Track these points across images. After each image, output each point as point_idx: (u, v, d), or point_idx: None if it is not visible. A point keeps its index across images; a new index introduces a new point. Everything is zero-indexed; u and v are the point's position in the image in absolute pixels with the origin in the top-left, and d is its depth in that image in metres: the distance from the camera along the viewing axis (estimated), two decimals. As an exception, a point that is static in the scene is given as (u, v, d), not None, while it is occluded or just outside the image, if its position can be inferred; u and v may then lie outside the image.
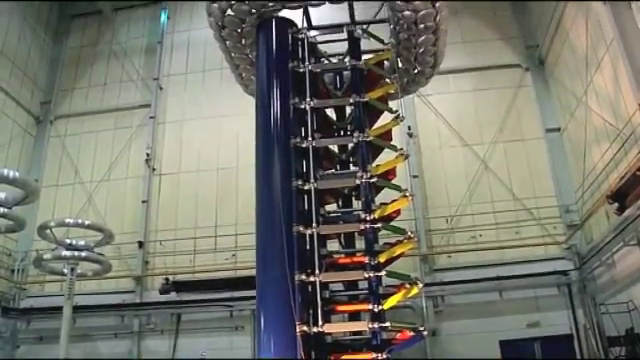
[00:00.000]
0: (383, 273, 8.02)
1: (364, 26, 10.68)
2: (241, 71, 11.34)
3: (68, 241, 14.88)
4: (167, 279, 16.82)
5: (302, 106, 8.95)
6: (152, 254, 17.80)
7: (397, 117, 9.19)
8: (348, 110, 10.13)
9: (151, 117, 19.62)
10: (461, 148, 17.69)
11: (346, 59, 10.11)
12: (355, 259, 8.56)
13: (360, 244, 8.72)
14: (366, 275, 7.97)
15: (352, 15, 10.85)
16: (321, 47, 10.44)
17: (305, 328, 7.52)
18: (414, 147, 17.48)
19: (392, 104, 10.11)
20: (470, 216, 16.71)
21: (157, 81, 20.20)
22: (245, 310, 16.15)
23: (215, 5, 9.84)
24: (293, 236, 8.04)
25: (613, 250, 13.83)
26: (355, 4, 10.59)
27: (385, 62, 10.47)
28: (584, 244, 15.77)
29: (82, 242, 14.91)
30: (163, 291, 16.71)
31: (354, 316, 8.88)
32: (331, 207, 9.67)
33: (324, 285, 8.03)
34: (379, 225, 8.28)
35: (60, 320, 14.37)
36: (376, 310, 7.77)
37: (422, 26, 9.92)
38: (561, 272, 15.72)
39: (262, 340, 7.77)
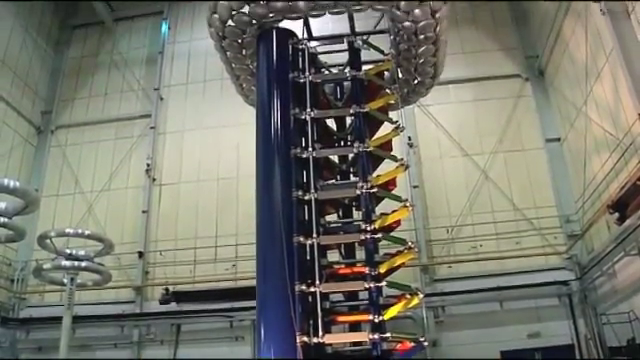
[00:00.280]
0: (383, 284, 8.01)
1: (364, 37, 10.73)
2: (242, 81, 11.37)
3: (68, 251, 14.86)
4: (167, 289, 16.80)
5: (302, 116, 8.97)
6: (152, 264, 17.78)
7: (397, 127, 9.20)
8: (348, 120, 10.15)
9: (152, 127, 19.65)
10: (461, 158, 17.69)
11: (346, 70, 10.15)
12: (355, 269, 8.56)
13: (360, 254, 8.71)
14: (366, 285, 7.95)
15: (352, 26, 10.90)
16: (321, 58, 10.45)
17: (305, 339, 7.49)
18: (414, 157, 17.50)
19: (392, 114, 10.16)
20: (470, 226, 16.70)
21: (158, 91, 20.25)
22: (245, 320, 16.10)
23: (216, 16, 9.87)
24: (293, 246, 8.02)
25: (614, 260, 13.81)
26: (355, 15, 10.62)
27: (385, 73, 10.50)
28: (585, 254, 15.74)
29: (82, 252, 14.88)
30: (163, 301, 16.69)
31: (354, 327, 8.84)
32: (331, 217, 9.68)
33: (324, 296, 8.01)
34: (379, 235, 8.27)
35: (60, 330, 14.31)
36: (376, 321, 7.74)
37: (422, 37, 9.94)
38: (562, 282, 15.68)
39: (262, 351, 7.72)
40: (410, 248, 8.45)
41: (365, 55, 10.31)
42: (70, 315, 14.33)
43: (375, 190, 8.50)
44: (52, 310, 16.50)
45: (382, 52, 10.69)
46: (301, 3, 9.24)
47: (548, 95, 18.04)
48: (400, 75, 11.13)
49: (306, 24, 10.56)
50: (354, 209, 9.65)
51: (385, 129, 9.48)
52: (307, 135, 8.89)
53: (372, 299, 7.94)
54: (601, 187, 14.24)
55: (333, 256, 9.34)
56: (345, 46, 10.15)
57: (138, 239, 18.05)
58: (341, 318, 8.44)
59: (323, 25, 11.48)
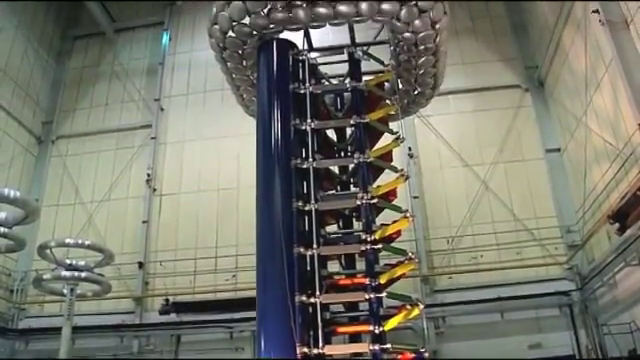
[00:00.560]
0: (384, 294, 7.97)
1: (364, 48, 10.75)
2: (242, 92, 11.39)
3: (68, 261, 14.82)
4: (167, 300, 16.75)
5: (303, 127, 8.97)
6: (152, 275, 17.76)
7: (397, 138, 9.19)
8: (349, 131, 10.16)
9: (152, 137, 19.71)
10: (461, 169, 17.71)
11: (347, 80, 10.15)
12: (356, 280, 8.51)
13: (361, 265, 8.70)
14: (367, 296, 7.91)
15: (352, 37, 10.94)
16: (322, 68, 10.48)
17: (305, 350, 7.44)
18: (415, 168, 17.52)
19: (393, 125, 10.14)
20: (471, 237, 16.69)
21: (158, 102, 20.32)
22: (245, 331, 16.05)
23: (216, 27, 9.91)
24: (294, 257, 7.99)
25: (615, 270, 13.79)
26: (355, 26, 10.66)
27: (385, 83, 10.53)
28: (585, 264, 15.72)
29: (82, 262, 14.85)
30: (163, 312, 16.65)
31: (355, 338, 8.82)
32: (332, 228, 9.67)
33: (325, 306, 7.99)
34: (380, 246, 8.24)
35: (59, 341, 14.22)
36: (377, 331, 7.70)
37: (422, 48, 9.96)
38: (563, 293, 15.65)
39: (262, 362, 7.71)
40: (410, 259, 8.42)
41: (365, 66, 10.33)
42: (70, 326, 14.27)
43: (375, 201, 8.49)
44: (51, 320, 16.45)
45: (382, 63, 10.72)
46: (301, 14, 9.27)
47: (548, 105, 18.08)
48: (400, 86, 11.16)
49: (306, 35, 10.59)
50: (354, 220, 9.63)
51: (385, 140, 9.48)
52: (307, 146, 8.89)
53: (372, 310, 7.91)
54: (601, 197, 14.25)
55: (333, 267, 9.34)
56: (345, 57, 10.17)
57: (138, 249, 18.05)
58: (341, 329, 8.41)
59: (323, 36, 11.50)
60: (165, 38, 21.60)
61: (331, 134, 10.44)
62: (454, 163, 17.82)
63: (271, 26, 9.52)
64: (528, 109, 18.31)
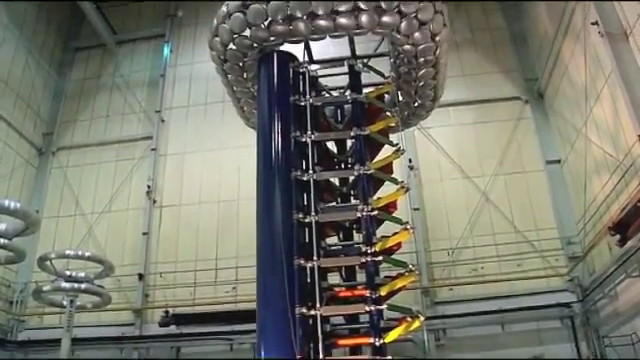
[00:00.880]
0: (384, 306, 7.98)
1: (365, 60, 10.80)
2: (243, 104, 11.44)
3: (68, 273, 14.80)
4: (167, 312, 16.69)
5: (303, 139, 9.01)
6: (152, 286, 17.71)
7: (398, 150, 9.24)
8: (349, 143, 10.19)
9: (153, 149, 19.71)
10: (462, 180, 17.70)
11: (347, 92, 10.21)
12: (356, 292, 8.53)
13: (361, 277, 8.69)
14: (367, 308, 7.93)
15: (353, 49, 11.00)
16: (322, 80, 10.52)
17: (306, 362, 7.45)
18: (415, 180, 17.50)
19: (393, 137, 10.16)
20: (471, 248, 16.64)
21: (159, 113, 20.34)
22: (245, 344, 15.98)
23: (217, 39, 9.96)
24: (294, 269, 8.00)
25: (616, 282, 13.74)
26: (356, 38, 10.71)
27: (386, 95, 10.57)
28: (586, 276, 15.67)
29: (82, 274, 14.82)
30: (163, 324, 16.57)
31: (355, 350, 8.77)
32: (332, 240, 9.67)
33: (325, 319, 7.99)
34: (380, 258, 8.26)
35: (58, 353, 14.19)
36: (377, 344, 7.71)
37: (422, 60, 10.02)
38: (564, 304, 15.59)
39: (262, 374, 7.69)
40: (411, 271, 8.45)
41: (365, 78, 10.37)
42: (69, 337, 14.21)
43: (376, 213, 8.51)
44: (51, 332, 16.36)
45: (382, 75, 10.75)
46: (302, 27, 9.32)
47: (548, 117, 18.10)
48: (400, 98, 11.20)
49: (307, 47, 10.64)
50: (355, 232, 9.64)
51: (386, 152, 9.51)
52: (308, 158, 8.93)
53: (373, 322, 7.92)
54: (602, 209, 14.23)
55: (334, 279, 9.32)
56: (346, 69, 10.22)
57: (138, 261, 18.00)
58: (342, 341, 8.40)
59: (324, 48, 11.55)
60: (166, 50, 21.66)
61: (331, 146, 10.47)
62: (454, 175, 17.82)
63: (272, 38, 9.58)
64: (528, 121, 18.32)
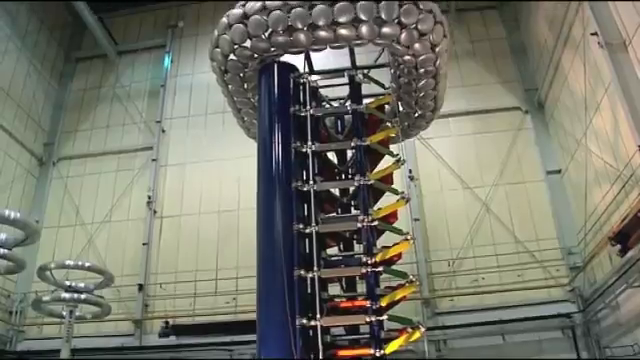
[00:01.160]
0: (385, 317, 7.96)
1: (365, 71, 10.82)
2: (243, 115, 11.46)
3: (68, 283, 14.78)
4: (167, 322, 16.66)
5: (303, 150, 9.01)
6: (152, 297, 17.67)
7: (398, 160, 9.23)
8: (349, 154, 10.20)
9: (153, 160, 19.71)
10: (462, 191, 17.70)
11: (347, 103, 10.23)
12: (356, 303, 8.51)
13: (361, 288, 8.67)
14: (368, 319, 7.90)
15: (353, 60, 11.05)
16: (322, 91, 10.55)
17: (306, 373, 7.43)
18: (415, 190, 17.49)
19: (393, 147, 10.19)
20: (472, 259, 16.62)
21: (160, 124, 20.36)
22: (245, 354, 15.90)
23: (218, 50, 10.01)
24: (294, 280, 7.99)
25: (617, 292, 13.70)
26: (356, 49, 10.75)
27: (386, 106, 10.57)
28: (587, 286, 15.63)
29: (82, 284, 14.80)
30: (163, 334, 16.54)
31: (356, 361, 8.76)
32: (332, 251, 9.65)
33: (325, 329, 7.96)
34: (380, 269, 8.24)
35: (58, 363, 14.20)
36: (378, 355, 7.68)
37: (422, 70, 10.05)
38: (565, 315, 15.55)
39: (263, 386, 7.66)
40: (411, 281, 8.42)
41: (366, 89, 10.39)
42: (69, 348, 14.15)
43: (376, 223, 8.50)
44: (50, 343, 16.30)
45: (383, 86, 10.79)
46: (302, 38, 9.36)
47: (548, 127, 18.13)
48: (401, 108, 11.23)
49: (307, 58, 10.67)
50: (355, 242, 9.63)
51: (386, 162, 9.52)
52: (308, 168, 8.93)
53: (373, 333, 7.89)
54: (602, 219, 14.22)
55: (334, 289, 9.31)
56: (346, 80, 10.25)
57: (138, 271, 17.97)
58: (342, 352, 8.34)
59: (324, 59, 11.58)
60: (167, 61, 21.72)
61: (332, 156, 10.47)
62: (455, 185, 17.82)
63: (272, 49, 9.62)
64: (528, 131, 18.34)
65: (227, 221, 18.08)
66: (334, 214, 9.85)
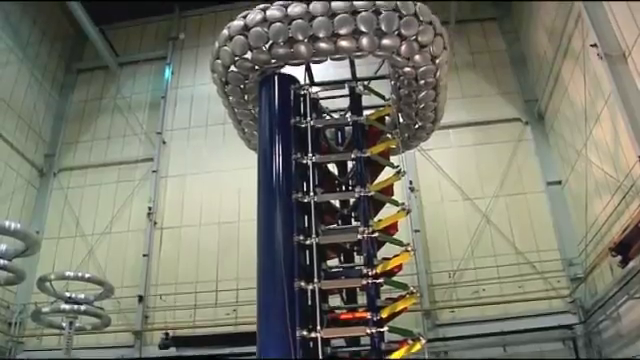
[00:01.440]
0: (385, 329, 7.93)
1: (365, 82, 10.85)
2: (244, 126, 11.49)
3: (67, 294, 14.76)
4: (167, 334, 16.59)
5: (304, 161, 9.01)
6: (152, 308, 17.63)
7: (398, 172, 9.22)
8: (350, 165, 10.20)
9: (154, 171, 19.74)
10: (462, 202, 17.69)
11: (348, 115, 10.24)
12: (357, 315, 8.48)
13: (362, 299, 8.65)
14: (368, 331, 7.87)
15: (353, 72, 11.08)
16: (323, 103, 10.57)
17: (307, 385, 7.40)
18: (416, 201, 17.49)
19: (393, 159, 10.19)
20: (473, 270, 16.58)
21: (160, 135, 20.41)
22: (246, 366, 15.89)
23: (219, 61, 10.05)
24: (294, 291, 7.97)
25: (618, 303, 13.67)
26: (356, 61, 10.79)
27: (386, 117, 10.59)
28: (588, 297, 15.60)
29: (82, 295, 14.78)
30: (163, 346, 16.46)
31: (356, 373, 8.74)
32: (333, 262, 9.64)
33: (326, 341, 7.93)
34: (381, 280, 8.22)
35: (57, 375, 14.16)
36: (379, 367, 7.66)
37: (422, 82, 10.08)
38: (566, 326, 15.50)
39: (263, 398, 7.63)
40: (412, 293, 8.41)
41: (366, 100, 10.41)
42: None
43: (376, 235, 8.49)
44: (50, 354, 16.27)
45: (383, 97, 10.79)
46: (303, 49, 9.40)
47: (548, 138, 18.15)
48: (401, 120, 11.26)
49: (308, 70, 10.70)
50: (355, 254, 9.63)
51: (386, 174, 9.52)
52: (308, 180, 8.93)
53: (374, 344, 7.85)
54: (603, 229, 14.20)
55: (334, 301, 9.29)
56: (346, 91, 10.28)
57: (138, 283, 17.94)
58: (343, 364, 8.36)
59: (324, 70, 11.62)
60: (168, 72, 21.78)
61: (332, 168, 10.48)
62: (455, 196, 17.81)
63: (273, 61, 9.66)
64: (528, 142, 18.36)
65: (227, 232, 18.06)
66: (334, 226, 9.83)
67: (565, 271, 16.24)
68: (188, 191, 19.33)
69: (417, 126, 11.52)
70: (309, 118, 9.43)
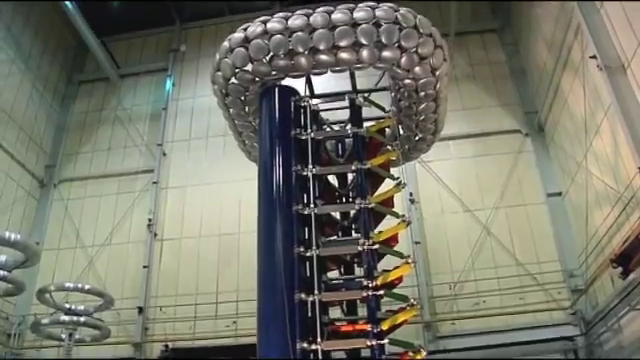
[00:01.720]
0: (386, 341, 7.90)
1: (365, 94, 10.87)
2: (244, 138, 11.50)
3: (67, 305, 14.73)
4: (166, 346, 16.56)
5: (304, 173, 9.03)
6: (152, 320, 17.58)
7: (399, 184, 9.24)
8: (350, 177, 10.21)
9: (154, 182, 19.74)
10: (463, 214, 17.68)
11: (348, 126, 10.26)
12: (357, 327, 8.46)
13: (362, 311, 8.64)
14: (369, 343, 7.85)
15: (354, 84, 11.10)
16: (323, 114, 10.58)
17: (307, 398, 7.37)
18: (416, 213, 17.47)
19: (394, 171, 10.19)
20: (473, 282, 16.55)
21: (161, 147, 20.43)
22: (246, 378, 15.83)
23: (219, 73, 10.07)
24: (295, 303, 7.95)
25: (619, 315, 13.63)
26: (357, 73, 10.82)
27: (386, 129, 10.60)
28: (589, 309, 15.55)
29: (81, 307, 14.76)
30: (162, 358, 16.44)
31: (357, 385, 8.69)
32: (333, 274, 9.63)
33: (326, 353, 7.91)
34: (381, 292, 8.21)
35: (57, 387, 14.10)
36: (379, 379, 7.63)
37: (423, 94, 10.09)
38: (567, 338, 15.48)
39: (263, 410, 7.60)
40: (412, 305, 8.40)
41: (366, 112, 10.44)
42: (67, 371, 14.13)
43: (377, 247, 8.48)
44: (49, 366, 16.25)
45: (383, 109, 10.82)
46: (303, 61, 9.42)
47: (548, 150, 18.17)
48: (401, 132, 11.25)
49: (308, 81, 10.73)
50: (356, 265, 9.60)
51: (387, 185, 9.53)
52: (309, 191, 8.94)
53: (374, 357, 7.81)
54: (604, 241, 14.19)
55: (335, 313, 9.27)
56: (347, 103, 10.29)
57: (138, 294, 17.89)
58: (343, 376, 8.33)
59: (325, 82, 11.65)
60: (168, 84, 21.85)
61: (332, 180, 10.48)
62: (455, 208, 17.81)
63: (273, 73, 9.69)
64: (528, 154, 18.38)
65: (228, 244, 18.04)
66: (335, 237, 9.82)
67: (566, 282, 16.21)
68: (188, 202, 19.34)
69: (417, 138, 11.53)
70: (309, 130, 9.45)
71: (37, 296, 14.58)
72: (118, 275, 18.46)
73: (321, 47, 9.22)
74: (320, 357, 7.68)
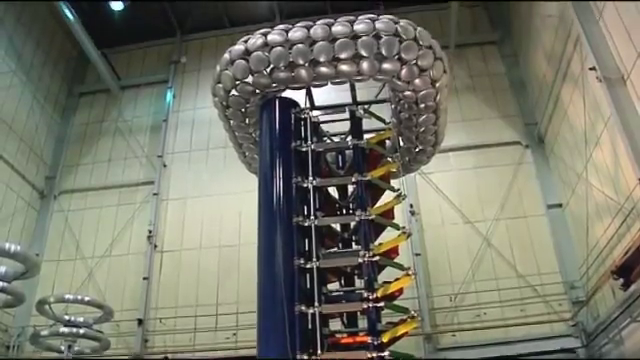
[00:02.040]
0: (386, 353, 7.90)
1: (366, 106, 10.91)
2: (244, 150, 11.53)
3: (67, 317, 14.68)
4: (166, 358, 16.50)
5: (304, 185, 9.06)
6: (152, 332, 17.51)
7: (399, 195, 9.26)
8: (350, 189, 10.22)
9: (154, 194, 19.72)
10: (463, 225, 17.65)
11: (348, 138, 10.29)
12: (358, 339, 8.45)
13: (363, 323, 8.62)
14: (369, 355, 7.83)
15: (354, 95, 11.14)
16: (323, 126, 10.62)
17: (307, 411, 7.34)
18: (416, 225, 17.45)
19: (394, 182, 10.22)
20: (474, 294, 16.49)
21: (161, 158, 20.43)
22: (246, 391, 15.76)
23: (220, 85, 10.12)
24: (295, 315, 7.95)
25: (620, 326, 13.56)
26: (357, 85, 10.86)
27: (387, 141, 10.65)
28: (591, 321, 15.48)
29: (81, 319, 14.70)
30: (162, 370, 16.40)
31: (357, 398, 8.66)
32: (333, 286, 9.61)
33: (326, 366, 7.90)
34: (382, 304, 8.21)
35: (55, 399, 14.03)
36: (379, 392, 7.61)
37: (423, 106, 10.14)
38: (568, 350, 15.37)
39: (263, 423, 7.57)
40: (413, 317, 8.39)
41: (367, 124, 10.47)
42: (66, 383, 14.06)
43: (377, 258, 8.49)
44: (48, 379, 16.17)
45: (383, 121, 10.86)
46: (304, 73, 9.46)
47: (548, 161, 18.16)
48: (401, 143, 11.30)
49: (308, 93, 10.77)
50: (356, 277, 9.60)
51: (387, 197, 9.53)
52: (309, 203, 8.96)
53: (375, 370, 7.82)
54: (604, 252, 14.15)
55: (335, 325, 9.24)
56: (347, 115, 10.33)
57: (138, 306, 17.84)
58: (343, 389, 8.29)
59: (325, 94, 11.69)
60: (169, 96, 21.88)
61: (333, 191, 10.49)
62: (456, 220, 17.78)
63: (274, 85, 9.74)
64: (529, 165, 18.37)
65: (228, 256, 18.00)
66: (335, 249, 9.83)
67: (567, 294, 16.14)
68: (189, 214, 19.32)
69: (417, 149, 11.56)
70: (310, 142, 9.50)
71: (37, 307, 14.54)
72: (118, 287, 18.41)
73: (321, 59, 9.28)
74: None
